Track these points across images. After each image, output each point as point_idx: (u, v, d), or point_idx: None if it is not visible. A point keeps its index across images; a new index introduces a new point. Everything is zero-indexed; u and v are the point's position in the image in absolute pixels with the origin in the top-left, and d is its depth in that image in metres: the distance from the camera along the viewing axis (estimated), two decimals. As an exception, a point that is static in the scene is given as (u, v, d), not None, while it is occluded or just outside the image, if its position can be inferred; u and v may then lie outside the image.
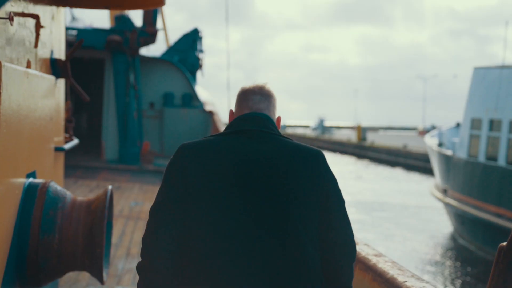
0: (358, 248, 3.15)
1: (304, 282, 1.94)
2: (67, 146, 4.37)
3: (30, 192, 3.31)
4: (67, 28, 14.40)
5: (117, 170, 13.95)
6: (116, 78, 14.51)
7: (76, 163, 14.51)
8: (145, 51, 16.57)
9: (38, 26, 3.35)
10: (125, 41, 13.99)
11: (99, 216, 3.43)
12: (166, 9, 14.37)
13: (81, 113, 20.31)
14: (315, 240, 2.00)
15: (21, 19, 3.27)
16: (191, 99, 16.00)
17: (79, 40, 4.03)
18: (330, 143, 63.48)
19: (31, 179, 3.39)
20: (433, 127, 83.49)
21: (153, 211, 2.01)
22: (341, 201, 2.09)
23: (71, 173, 13.14)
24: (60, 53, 4.45)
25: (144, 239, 2.01)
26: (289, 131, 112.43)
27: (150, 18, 13.93)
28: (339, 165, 42.03)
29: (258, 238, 1.91)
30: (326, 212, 2.03)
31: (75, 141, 4.85)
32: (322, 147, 64.89)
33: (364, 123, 62.47)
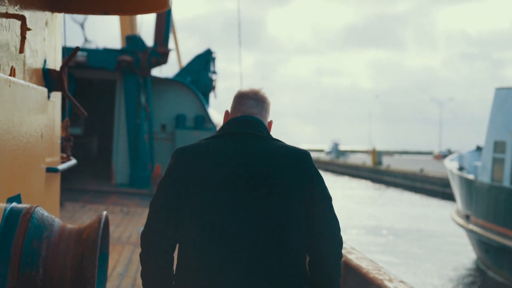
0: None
1: (287, 272, 2.05)
2: (62, 166, 3.89)
3: (11, 219, 2.83)
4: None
5: (126, 194, 13.52)
6: (127, 99, 14.18)
7: (85, 187, 14.12)
8: (157, 72, 16.29)
9: (24, 28, 2.92)
10: (136, 61, 13.69)
11: (91, 246, 2.94)
12: (179, 33, 14.09)
13: (92, 136, 20.01)
14: (302, 235, 2.10)
15: (5, 21, 2.85)
16: (203, 121, 15.60)
17: (75, 48, 3.59)
18: (345, 167, 62.75)
19: (13, 204, 2.92)
20: (449, 151, 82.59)
21: (152, 207, 2.15)
22: (327, 197, 2.16)
23: (80, 198, 12.74)
24: (56, 64, 4.00)
25: (144, 233, 2.15)
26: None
27: (162, 38, 13.63)
28: (354, 190, 41.30)
29: (248, 232, 2.03)
30: (313, 207, 2.11)
31: (72, 162, 4.40)
32: (337, 171, 64.16)
33: (379, 147, 61.68)
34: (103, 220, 2.99)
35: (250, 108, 2.28)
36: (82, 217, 10.29)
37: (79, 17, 17.36)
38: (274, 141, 2.21)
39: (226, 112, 2.36)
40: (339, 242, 2.15)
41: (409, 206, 31.29)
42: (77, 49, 3.58)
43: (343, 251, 2.95)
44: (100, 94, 17.63)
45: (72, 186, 14.18)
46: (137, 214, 10.94)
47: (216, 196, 2.07)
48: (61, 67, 3.70)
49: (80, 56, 14.05)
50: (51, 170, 3.66)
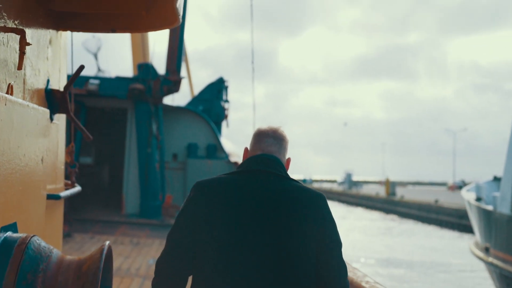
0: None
1: None
2: (65, 193, 3.63)
3: (4, 249, 2.57)
4: (90, 78, 14.09)
5: (137, 224, 13.24)
6: (138, 127, 14.01)
7: (94, 218, 13.87)
8: (169, 101, 16.19)
9: (23, 43, 2.71)
10: (147, 89, 13.56)
11: (91, 280, 2.66)
12: (191, 65, 14.01)
13: (103, 165, 19.84)
14: (313, 277, 2.12)
15: (3, 35, 2.65)
16: (216, 150, 15.36)
17: (80, 67, 3.38)
18: (358, 198, 62.02)
19: (8, 233, 2.66)
20: (463, 182, 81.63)
21: (169, 237, 2.22)
22: (338, 243, 2.18)
23: (89, 228, 12.49)
24: (60, 85, 3.80)
25: (159, 262, 2.23)
26: (316, 185, 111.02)
27: (174, 66, 13.52)
28: (368, 220, 40.67)
29: (260, 271, 2.05)
30: (323, 252, 2.13)
31: (77, 189, 4.16)
32: (350, 201, 63.47)
33: (391, 178, 60.93)
34: (105, 251, 2.72)
35: (269, 146, 2.34)
36: (91, 248, 10.01)
37: (93, 47, 17.41)
38: (292, 181, 2.24)
39: (246, 149, 2.43)
40: (345, 286, 2.18)
41: (425, 237, 30.64)
42: (82, 67, 3.38)
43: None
44: (111, 123, 17.51)
45: (82, 216, 13.95)
46: (147, 245, 10.65)
47: (231, 233, 2.10)
48: (65, 87, 3.49)
49: (92, 84, 13.97)
50: (52, 197, 3.42)
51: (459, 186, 78.44)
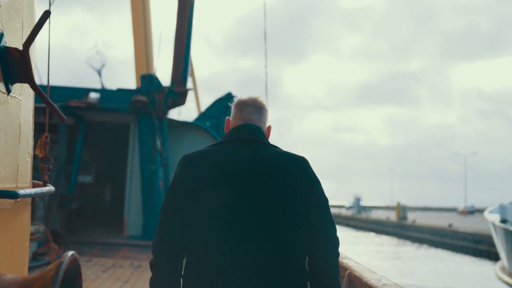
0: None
1: (288, 271, 2.13)
2: (26, 192, 2.60)
3: None
4: (90, 90, 13.21)
5: (139, 247, 12.21)
6: (141, 143, 13.07)
7: (93, 240, 12.85)
8: (176, 116, 15.30)
9: None
10: (151, 102, 12.66)
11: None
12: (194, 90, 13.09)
13: (104, 184, 18.86)
14: (302, 235, 2.19)
15: None
16: (223, 168, 14.37)
17: (44, 12, 2.41)
18: (367, 223, 60.62)
19: None
20: (473, 207, 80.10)
21: (162, 214, 2.25)
22: (325, 200, 2.28)
23: (87, 251, 11.47)
24: (21, 43, 2.77)
25: (154, 241, 2.25)
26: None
27: (180, 76, 12.63)
28: (379, 246, 39.36)
29: (251, 233, 2.11)
30: (311, 209, 2.22)
31: (47, 188, 3.17)
32: (360, 226, 62.06)
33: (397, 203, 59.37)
34: (64, 266, 1.75)
35: (250, 115, 2.39)
36: (86, 272, 8.99)
37: (97, 63, 16.60)
38: (274, 147, 2.33)
39: (227, 119, 2.49)
40: (335, 241, 2.24)
41: (442, 262, 29.30)
42: (47, 13, 2.43)
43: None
44: (113, 138, 16.62)
45: (79, 238, 12.94)
46: (149, 269, 9.58)
47: (220, 199, 2.14)
48: (25, 45, 2.50)
49: (92, 98, 13.10)
50: (6, 194, 2.42)
51: (471, 211, 76.92)
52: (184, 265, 2.23)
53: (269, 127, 2.48)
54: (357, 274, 3.43)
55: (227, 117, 2.50)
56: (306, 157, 2.35)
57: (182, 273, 2.22)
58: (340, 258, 3.06)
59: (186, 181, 2.20)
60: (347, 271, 3.74)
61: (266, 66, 9.39)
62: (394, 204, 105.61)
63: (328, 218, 2.25)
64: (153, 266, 2.23)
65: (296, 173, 2.24)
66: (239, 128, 2.34)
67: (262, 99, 2.48)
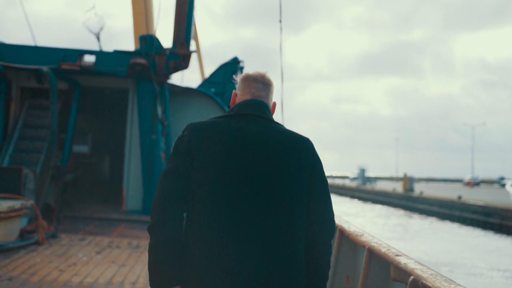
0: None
1: (290, 246, 2.18)
2: None
3: None
4: (84, 51, 12.09)
5: (138, 222, 11.27)
6: (140, 111, 12.01)
7: (89, 215, 11.91)
8: (178, 82, 14.21)
9: None
10: (151, 65, 11.55)
11: None
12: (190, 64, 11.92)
13: (102, 155, 17.83)
14: (303, 214, 2.25)
15: None
16: (229, 138, 13.33)
17: None
18: (373, 194, 59.80)
19: None
20: (478, 179, 79.11)
21: (162, 177, 2.22)
22: (325, 182, 2.36)
23: (82, 227, 10.53)
24: None
25: (154, 202, 2.20)
26: (329, 180, 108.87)
27: (182, 37, 11.48)
28: (386, 218, 38.57)
29: (253, 207, 2.14)
30: (311, 190, 2.29)
31: None
32: (365, 198, 61.31)
33: (402, 174, 57.96)
34: None
35: (258, 91, 2.41)
36: (78, 253, 8.04)
37: (95, 26, 15.42)
38: (278, 125, 2.35)
39: (234, 93, 2.49)
40: (332, 224, 2.33)
41: (463, 237, 28.43)
42: None
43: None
44: (110, 105, 15.54)
45: (75, 213, 11.99)
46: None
47: (223, 171, 2.15)
48: None
49: (87, 61, 11.98)
50: None
51: (478, 183, 75.93)
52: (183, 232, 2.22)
53: (274, 104, 2.52)
54: (428, 283, 2.58)
55: (234, 90, 2.50)
56: (309, 138, 2.39)
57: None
58: (400, 260, 3.05)
59: (191, 148, 2.21)
60: (411, 278, 2.80)
61: (281, 66, 8.32)
62: (399, 175, 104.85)
63: (327, 200, 2.33)
64: (152, 228, 2.18)
65: (300, 153, 2.28)
66: (247, 103, 2.36)
67: (269, 75, 2.48)
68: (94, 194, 15.38)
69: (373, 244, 3.62)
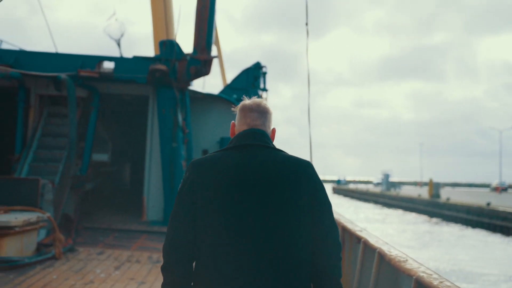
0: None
1: (293, 274, 2.20)
2: None
3: None
4: (103, 58, 11.80)
5: (159, 234, 10.90)
6: (161, 118, 11.65)
7: (110, 226, 11.57)
8: (200, 88, 13.86)
9: None
10: (172, 71, 11.19)
11: None
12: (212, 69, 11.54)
13: (122, 164, 17.54)
14: (307, 239, 2.26)
15: None
16: (253, 146, 12.90)
17: None
18: (397, 200, 58.76)
19: None
20: (505, 184, 77.25)
21: (170, 220, 2.31)
22: (328, 204, 2.36)
23: (101, 239, 10.19)
24: None
25: (164, 245, 2.30)
26: (351, 186, 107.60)
27: (203, 42, 11.10)
28: (413, 224, 37.73)
29: (257, 237, 2.16)
30: (315, 214, 2.29)
31: None
32: (389, 204, 60.26)
33: (426, 179, 56.51)
34: None
35: (254, 120, 2.42)
36: (95, 269, 7.68)
37: (115, 32, 15.16)
38: (279, 151, 2.37)
39: (233, 124, 2.51)
40: (338, 246, 2.32)
41: (490, 246, 27.56)
42: None
43: None
44: (131, 113, 15.23)
45: (95, 224, 11.67)
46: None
47: (226, 206, 2.20)
48: None
49: (106, 67, 11.69)
50: None
51: (506, 188, 74.18)
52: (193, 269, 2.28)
53: (274, 130, 2.53)
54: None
55: (232, 121, 2.53)
56: (311, 162, 2.39)
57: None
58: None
59: (194, 188, 2.26)
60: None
61: (308, 90, 7.92)
62: (423, 180, 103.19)
63: (331, 223, 2.33)
64: (164, 270, 2.27)
65: (300, 178, 2.29)
66: (245, 134, 2.38)
67: (266, 102, 2.51)
68: (114, 204, 15.07)
69: (421, 274, 3.14)
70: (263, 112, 2.45)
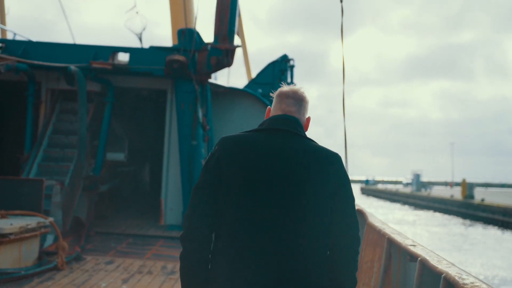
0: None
1: (312, 261, 2.17)
2: None
3: None
4: (117, 48, 10.93)
5: (177, 240, 9.95)
6: (179, 114, 10.73)
7: (124, 231, 10.70)
8: (223, 82, 12.91)
9: None
10: (191, 62, 10.26)
11: None
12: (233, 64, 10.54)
13: (140, 163, 16.67)
14: (327, 229, 2.24)
15: None
16: (279, 143, 11.89)
17: None
18: (428, 201, 57.02)
19: None
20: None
21: (193, 191, 2.28)
22: (352, 198, 2.34)
23: (113, 246, 9.29)
24: None
25: (185, 215, 2.28)
26: (380, 186, 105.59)
27: (225, 29, 10.13)
28: (446, 227, 36.25)
29: (278, 223, 2.15)
30: (337, 206, 2.26)
31: None
32: (419, 204, 58.54)
33: (457, 179, 54.68)
34: None
35: (289, 106, 2.41)
36: (100, 282, 6.76)
37: (137, 26, 14.30)
38: (309, 140, 2.34)
39: (268, 109, 2.51)
40: (357, 240, 2.30)
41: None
42: None
43: None
44: (148, 108, 14.35)
45: (109, 229, 10.81)
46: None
47: (250, 186, 2.18)
48: None
49: (120, 60, 10.81)
50: None
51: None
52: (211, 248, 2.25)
53: (308, 119, 2.50)
54: None
55: (268, 107, 2.52)
56: (339, 154, 2.37)
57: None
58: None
59: (220, 163, 2.24)
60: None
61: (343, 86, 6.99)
62: (454, 180, 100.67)
63: (353, 216, 2.30)
64: (184, 239, 2.23)
65: (326, 168, 2.26)
66: (278, 118, 2.36)
67: (303, 90, 2.48)
68: (132, 207, 14.21)
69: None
70: (299, 100, 2.43)
